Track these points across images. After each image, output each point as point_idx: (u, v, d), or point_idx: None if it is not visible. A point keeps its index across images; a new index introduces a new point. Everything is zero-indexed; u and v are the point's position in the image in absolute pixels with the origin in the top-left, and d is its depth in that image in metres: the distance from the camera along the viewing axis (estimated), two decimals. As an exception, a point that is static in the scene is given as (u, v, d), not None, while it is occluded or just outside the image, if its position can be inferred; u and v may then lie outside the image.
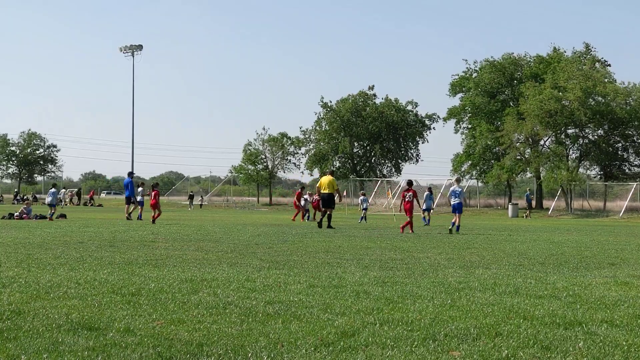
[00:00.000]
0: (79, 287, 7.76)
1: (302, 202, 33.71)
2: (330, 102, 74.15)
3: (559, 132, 57.18)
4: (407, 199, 22.55)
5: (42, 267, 9.70)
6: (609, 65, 59.18)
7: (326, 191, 24.13)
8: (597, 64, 57.42)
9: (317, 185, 25.38)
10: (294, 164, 78.55)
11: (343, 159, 75.54)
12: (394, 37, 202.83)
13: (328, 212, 23.97)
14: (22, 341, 5.06)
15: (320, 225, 23.58)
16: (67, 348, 4.88)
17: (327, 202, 24.13)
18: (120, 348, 4.91)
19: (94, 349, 4.88)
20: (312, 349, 5.00)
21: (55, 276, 8.70)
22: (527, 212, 50.09)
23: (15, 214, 29.55)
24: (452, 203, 23.68)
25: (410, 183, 23.51)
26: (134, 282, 8.26)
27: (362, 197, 35.78)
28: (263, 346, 5.04)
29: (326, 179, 24.49)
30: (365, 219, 32.96)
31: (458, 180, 24.86)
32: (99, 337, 5.21)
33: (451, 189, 24.26)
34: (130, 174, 32.35)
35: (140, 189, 30.92)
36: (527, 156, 59.11)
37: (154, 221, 25.69)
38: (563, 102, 53.95)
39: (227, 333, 5.44)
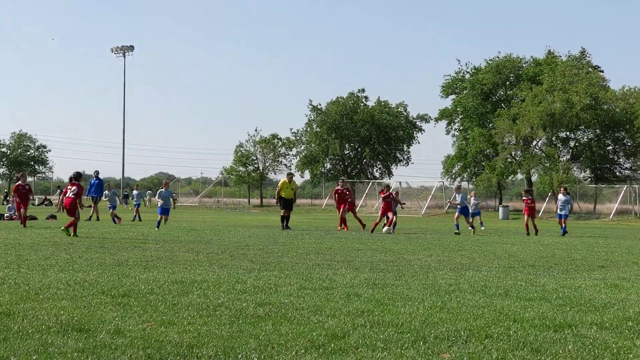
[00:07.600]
0: (68, 288, 7.73)
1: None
2: (320, 104, 74.08)
3: (552, 134, 57.33)
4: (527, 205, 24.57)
5: (32, 268, 9.66)
6: (602, 71, 59.57)
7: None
8: (590, 70, 57.64)
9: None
10: (285, 165, 78.56)
11: (334, 161, 75.53)
12: (385, 38, 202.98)
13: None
14: (11, 342, 5.04)
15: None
16: (56, 349, 4.87)
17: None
18: (110, 350, 4.90)
19: (84, 350, 4.87)
20: (303, 351, 5.00)
21: (45, 277, 8.67)
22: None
23: (5, 215, 29.40)
24: (559, 213, 24.18)
25: (528, 191, 25.78)
26: (124, 283, 8.24)
27: None
28: (253, 348, 5.04)
29: None
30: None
31: (566, 190, 25.20)
32: (89, 339, 5.20)
33: (561, 197, 24.55)
34: (97, 172, 30.31)
35: (135, 191, 30.07)
36: (518, 158, 59.21)
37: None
38: (562, 104, 53.96)
39: (218, 335, 5.44)
